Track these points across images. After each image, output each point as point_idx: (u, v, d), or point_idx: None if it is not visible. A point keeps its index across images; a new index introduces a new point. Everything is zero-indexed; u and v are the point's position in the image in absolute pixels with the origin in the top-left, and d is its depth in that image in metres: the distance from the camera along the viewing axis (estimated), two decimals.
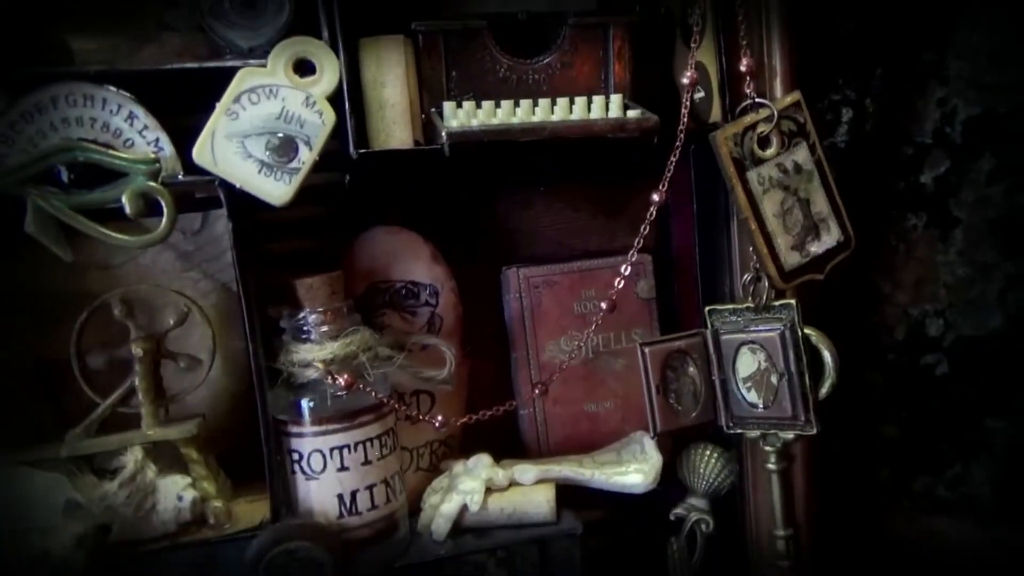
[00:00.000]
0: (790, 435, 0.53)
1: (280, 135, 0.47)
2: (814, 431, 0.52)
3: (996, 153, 0.83)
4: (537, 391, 0.58)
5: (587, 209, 0.66)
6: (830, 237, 0.54)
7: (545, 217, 0.66)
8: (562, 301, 0.63)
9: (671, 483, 0.63)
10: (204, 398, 0.56)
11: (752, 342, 0.53)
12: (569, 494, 0.59)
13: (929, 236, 0.85)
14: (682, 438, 0.64)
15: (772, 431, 0.54)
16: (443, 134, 0.48)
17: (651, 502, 0.62)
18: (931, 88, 0.82)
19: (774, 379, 0.52)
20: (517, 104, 0.52)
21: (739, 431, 0.56)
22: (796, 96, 0.53)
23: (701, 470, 0.62)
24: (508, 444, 0.63)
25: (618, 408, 0.65)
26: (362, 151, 0.48)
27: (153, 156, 0.45)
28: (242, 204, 0.49)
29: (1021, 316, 0.87)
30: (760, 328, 0.53)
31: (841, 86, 0.81)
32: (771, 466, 0.55)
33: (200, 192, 0.54)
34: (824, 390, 0.52)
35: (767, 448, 0.55)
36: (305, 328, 0.51)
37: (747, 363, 0.53)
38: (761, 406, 0.53)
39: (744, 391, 0.54)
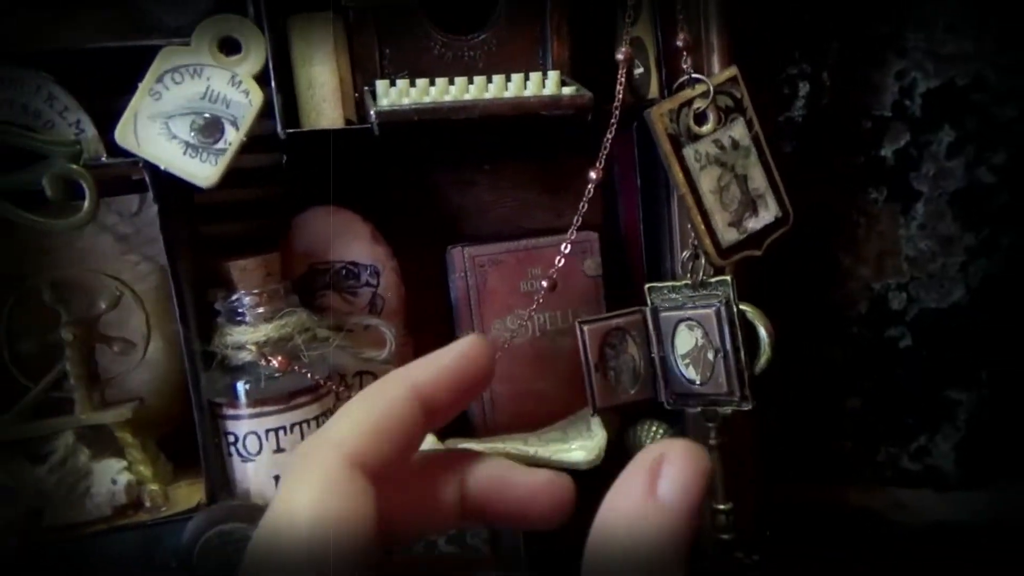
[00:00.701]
0: (728, 410, 0.53)
1: (206, 115, 0.46)
2: (749, 406, 0.52)
3: (955, 125, 0.83)
4: None
5: (533, 187, 0.66)
6: (768, 213, 0.54)
7: (491, 195, 0.65)
8: (508, 279, 0.63)
9: (620, 459, 0.63)
10: (146, 381, 0.56)
11: (689, 319, 0.53)
12: None
13: (890, 210, 0.85)
14: (631, 415, 0.65)
15: (711, 407, 0.54)
16: (372, 113, 0.48)
17: (600, 477, 0.63)
18: (889, 61, 0.81)
19: (711, 355, 0.52)
20: (452, 82, 0.51)
21: (679, 407, 0.56)
22: (733, 71, 0.53)
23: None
24: (456, 423, 0.63)
25: (566, 386, 0.65)
26: (290, 131, 0.48)
27: (73, 138, 0.44)
28: (172, 186, 0.48)
29: (983, 289, 0.87)
30: (698, 305, 0.53)
31: (797, 60, 0.80)
32: (712, 441, 0.55)
33: (135, 174, 0.53)
34: (760, 365, 0.52)
35: (708, 423, 0.55)
36: (239, 310, 0.51)
37: (685, 340, 0.53)
38: (699, 382, 0.53)
39: (683, 368, 0.54)
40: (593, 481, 0.62)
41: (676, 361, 0.54)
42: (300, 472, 0.25)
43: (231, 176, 0.51)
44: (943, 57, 0.81)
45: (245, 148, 0.50)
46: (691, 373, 0.54)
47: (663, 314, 0.54)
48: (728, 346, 0.51)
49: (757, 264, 0.56)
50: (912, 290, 0.88)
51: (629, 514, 0.24)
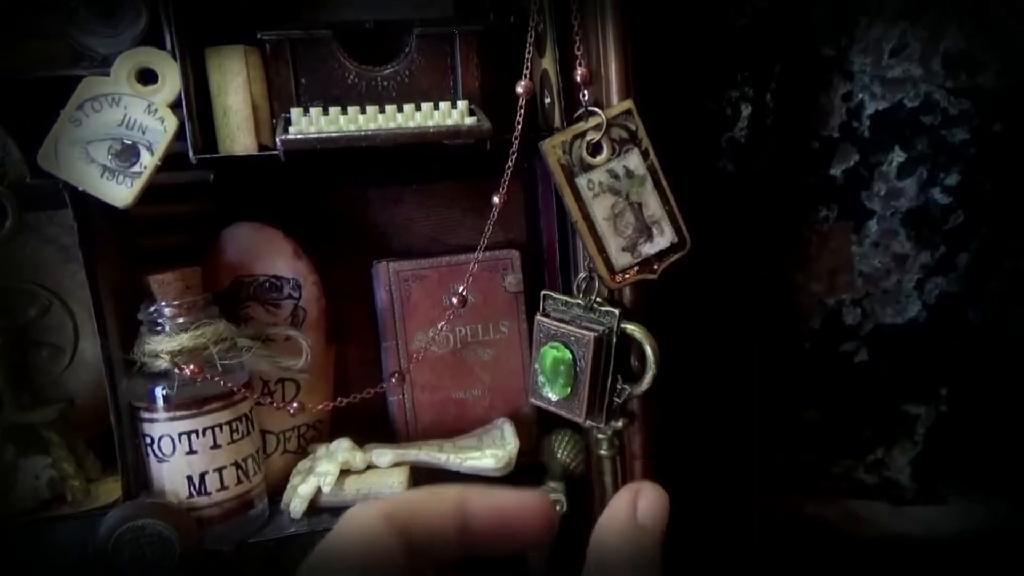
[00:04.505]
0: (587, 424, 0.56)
1: (124, 141, 0.50)
2: (608, 429, 0.57)
3: (906, 146, 0.85)
4: (394, 379, 0.62)
5: (459, 206, 0.69)
6: (663, 238, 0.57)
7: (418, 212, 0.69)
8: (431, 294, 0.66)
9: (535, 467, 0.67)
10: (82, 384, 0.60)
11: (564, 338, 0.56)
12: (440, 480, 0.63)
13: (842, 228, 0.88)
14: (546, 425, 0.68)
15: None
16: (278, 141, 0.51)
17: (516, 484, 0.66)
18: (835, 83, 0.84)
19: (578, 375, 0.55)
20: (364, 110, 0.55)
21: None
22: (627, 104, 0.55)
23: (558, 454, 0.65)
24: (378, 430, 0.67)
25: (485, 395, 0.68)
26: (201, 156, 0.51)
27: None
28: (99, 202, 0.52)
29: (939, 305, 0.89)
30: (582, 326, 0.55)
31: (739, 82, 0.82)
32: (603, 452, 0.58)
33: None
34: (646, 382, 0.55)
35: (599, 436, 0.58)
36: (159, 321, 0.54)
37: (553, 355, 0.56)
38: (554, 399, 0.56)
39: (540, 381, 0.57)
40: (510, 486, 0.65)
41: (537, 374, 0.57)
42: (344, 520, 0.30)
43: (163, 192, 0.55)
44: (890, 80, 0.83)
45: (176, 166, 0.53)
46: (546, 390, 0.57)
47: (545, 324, 0.57)
48: (600, 372, 0.54)
49: (654, 287, 0.58)
50: (867, 305, 0.90)
51: (619, 531, 0.32)
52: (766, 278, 0.88)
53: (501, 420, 0.66)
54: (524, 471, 0.64)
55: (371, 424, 0.66)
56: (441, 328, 0.60)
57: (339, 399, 0.60)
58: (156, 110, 0.50)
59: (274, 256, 0.61)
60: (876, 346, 0.90)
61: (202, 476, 0.55)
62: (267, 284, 0.61)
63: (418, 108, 0.56)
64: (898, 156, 0.85)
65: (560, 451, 0.65)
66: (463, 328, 0.67)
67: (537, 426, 0.68)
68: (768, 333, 0.89)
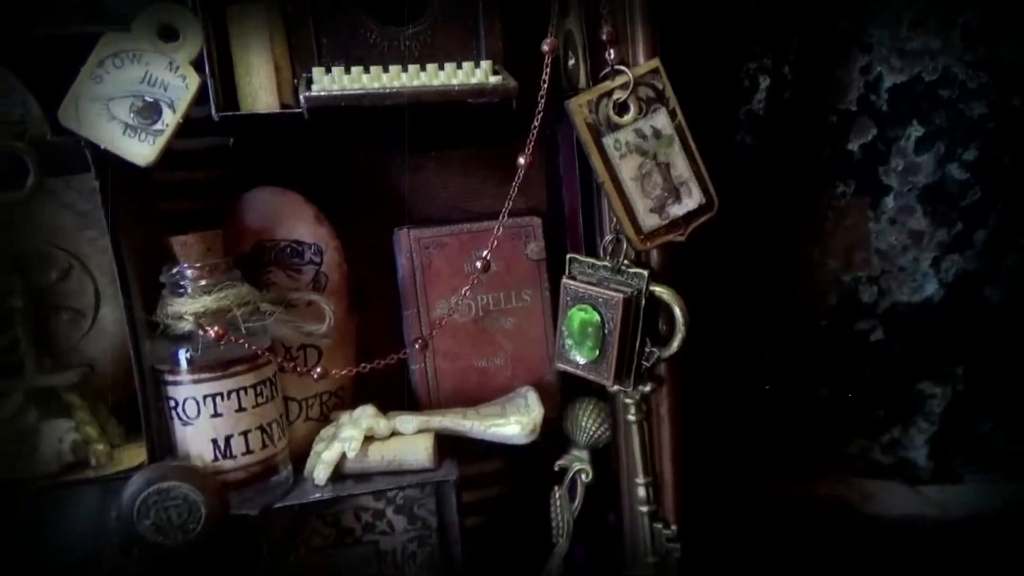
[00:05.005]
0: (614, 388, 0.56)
1: (144, 98, 0.49)
2: (636, 394, 0.56)
3: (924, 120, 0.84)
4: (417, 345, 0.61)
5: (479, 174, 0.69)
6: (691, 200, 0.56)
7: (438, 180, 0.68)
8: (452, 261, 0.66)
9: (557, 437, 0.66)
10: (102, 350, 0.59)
11: (593, 300, 0.55)
12: (464, 448, 0.62)
13: (859, 204, 0.87)
14: (569, 394, 0.68)
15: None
16: (302, 98, 0.50)
17: (539, 454, 0.66)
18: (853, 56, 0.83)
19: (606, 337, 0.54)
20: (386, 69, 0.54)
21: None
22: (655, 63, 0.55)
23: (582, 423, 0.65)
24: (401, 399, 0.66)
25: (507, 364, 0.68)
26: (223, 114, 0.51)
27: (17, 117, 0.48)
28: (122, 165, 0.51)
29: (955, 283, 0.88)
30: (610, 288, 0.55)
31: (757, 54, 0.82)
32: (631, 417, 0.58)
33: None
34: (675, 345, 0.55)
35: (627, 400, 0.58)
36: (181, 283, 0.54)
37: (581, 317, 0.55)
38: (587, 361, 0.56)
39: (567, 344, 0.56)
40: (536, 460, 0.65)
41: (563, 337, 0.56)
42: None
43: (183, 157, 0.54)
44: (909, 53, 0.82)
45: (195, 131, 0.53)
46: (574, 353, 0.56)
47: (572, 287, 0.56)
48: (628, 334, 0.54)
49: (683, 249, 0.58)
50: (883, 283, 0.89)
51: None
52: (782, 253, 0.87)
53: (524, 388, 0.65)
54: (548, 439, 0.64)
55: (393, 393, 0.65)
56: (465, 293, 0.59)
57: (363, 365, 0.59)
58: (178, 67, 0.49)
59: (295, 221, 0.60)
60: (892, 325, 0.89)
61: (227, 439, 0.54)
62: (288, 249, 0.60)
63: (441, 68, 0.55)
64: (916, 130, 0.84)
65: (585, 419, 0.64)
66: (485, 296, 0.66)
67: (560, 395, 0.68)
68: (783, 310, 0.88)
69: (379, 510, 0.69)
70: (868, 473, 0.96)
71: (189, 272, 0.54)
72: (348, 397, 0.65)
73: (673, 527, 0.60)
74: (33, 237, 0.57)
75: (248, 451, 0.55)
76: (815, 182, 0.86)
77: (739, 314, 0.85)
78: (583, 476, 0.64)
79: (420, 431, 0.61)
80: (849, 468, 0.95)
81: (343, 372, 0.59)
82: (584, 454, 0.65)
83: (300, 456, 0.61)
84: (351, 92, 0.51)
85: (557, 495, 0.65)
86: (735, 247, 0.85)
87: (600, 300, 0.55)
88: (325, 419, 0.64)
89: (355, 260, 0.64)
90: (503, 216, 0.57)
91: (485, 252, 0.58)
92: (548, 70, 0.54)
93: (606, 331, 0.55)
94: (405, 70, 0.54)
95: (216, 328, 0.52)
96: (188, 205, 0.61)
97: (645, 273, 0.55)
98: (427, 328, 0.65)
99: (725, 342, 0.85)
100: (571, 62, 0.59)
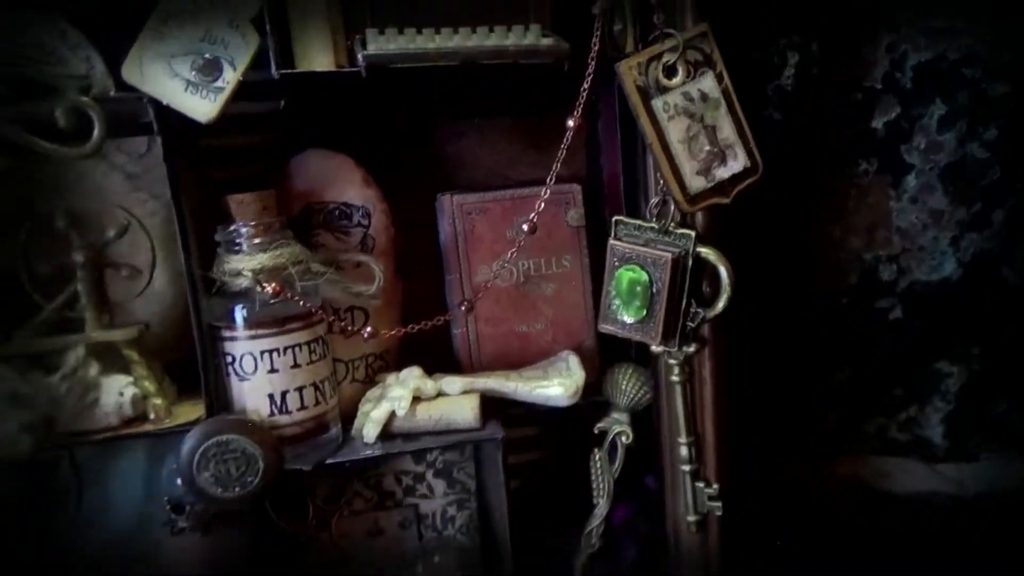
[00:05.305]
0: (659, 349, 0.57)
1: (206, 55, 0.50)
2: (680, 354, 0.57)
3: (947, 99, 0.85)
4: (464, 307, 0.62)
5: (520, 141, 0.69)
6: (736, 163, 0.57)
7: (481, 147, 0.69)
8: (494, 227, 0.67)
9: (596, 401, 0.67)
10: (152, 312, 0.60)
11: (640, 259, 0.56)
12: (503, 414, 0.63)
13: (881, 182, 0.87)
14: (608, 359, 0.69)
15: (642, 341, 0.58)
16: (360, 57, 0.51)
17: (578, 418, 0.67)
18: (880, 33, 0.83)
19: (654, 296, 0.55)
20: (438, 31, 0.55)
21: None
22: (703, 27, 0.55)
23: (622, 386, 0.66)
24: (442, 363, 0.67)
25: (548, 329, 0.68)
26: (284, 71, 0.51)
27: (84, 72, 0.48)
28: (178, 127, 0.52)
29: (973, 262, 0.89)
30: (657, 248, 0.56)
31: (787, 29, 0.82)
32: (674, 378, 0.59)
33: (141, 111, 0.57)
34: (721, 305, 0.55)
35: (671, 361, 0.59)
36: (237, 240, 0.55)
37: (629, 276, 0.56)
38: (634, 320, 0.56)
39: (614, 305, 0.57)
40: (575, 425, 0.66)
41: (610, 297, 0.57)
42: None
43: (233, 121, 0.55)
44: (935, 31, 0.83)
45: (244, 95, 0.53)
46: (621, 313, 0.57)
47: (619, 248, 0.57)
48: (675, 294, 0.55)
49: (727, 212, 0.59)
50: (903, 262, 0.90)
51: None
52: (804, 231, 0.87)
53: (565, 352, 0.66)
54: (589, 403, 0.65)
55: (435, 357, 0.66)
56: (511, 256, 0.60)
57: (410, 325, 0.60)
58: (238, 25, 0.50)
59: (344, 183, 0.61)
60: (911, 303, 0.90)
61: (283, 395, 0.55)
62: (337, 211, 0.61)
63: (491, 30, 0.56)
64: (939, 109, 0.85)
65: (625, 382, 0.65)
66: (526, 262, 0.67)
67: (599, 359, 0.69)
68: (804, 287, 0.89)
69: (419, 473, 0.70)
70: (885, 451, 0.97)
71: (244, 230, 0.54)
72: (393, 360, 0.66)
73: (715, 486, 0.61)
74: (89, 194, 0.58)
75: (303, 407, 0.56)
76: (839, 160, 0.86)
77: (763, 289, 0.86)
78: (623, 438, 0.65)
79: (465, 392, 0.62)
80: (867, 446, 0.96)
81: (391, 332, 0.60)
82: (624, 417, 0.66)
83: (346, 417, 0.62)
84: (409, 51, 0.52)
85: (597, 457, 0.66)
86: (762, 221, 0.86)
87: (648, 260, 0.56)
88: (370, 381, 0.65)
89: (397, 226, 0.65)
90: (551, 179, 0.58)
91: (532, 215, 0.59)
92: (598, 31, 0.55)
93: (654, 290, 0.55)
94: (456, 32, 0.55)
95: (274, 284, 0.53)
96: (236, 169, 0.62)
97: (692, 234, 0.55)
98: (469, 293, 0.66)
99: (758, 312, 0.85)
100: (617, 27, 0.60)
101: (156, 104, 0.50)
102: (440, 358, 0.67)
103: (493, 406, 0.63)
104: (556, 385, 0.62)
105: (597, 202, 0.70)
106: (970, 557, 0.80)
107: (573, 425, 0.68)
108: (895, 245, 0.89)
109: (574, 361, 0.65)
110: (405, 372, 0.62)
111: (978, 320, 0.91)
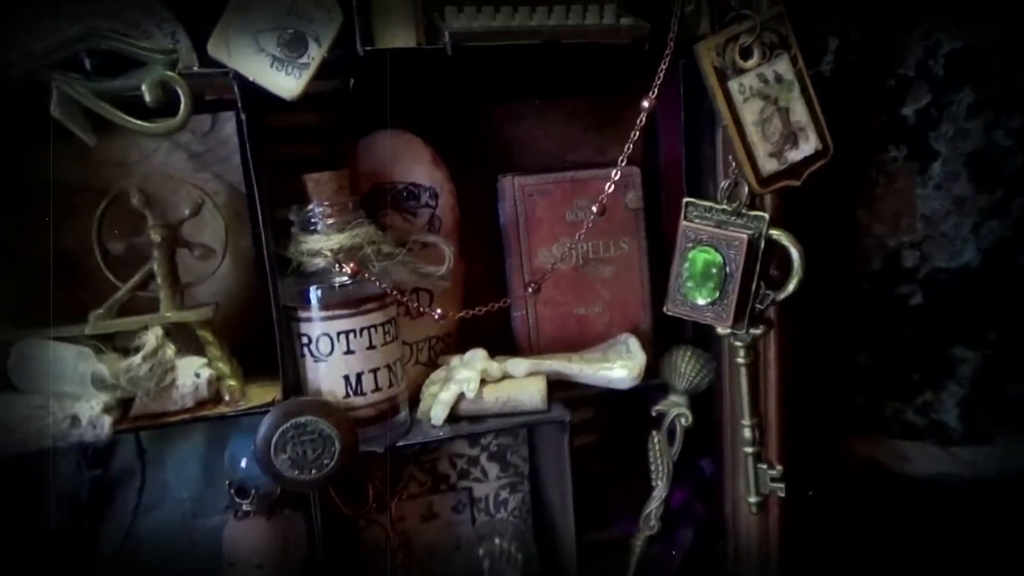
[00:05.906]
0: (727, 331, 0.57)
1: (291, 31, 0.49)
2: (747, 337, 0.57)
3: (976, 87, 0.85)
4: (529, 289, 0.62)
5: (580, 123, 0.69)
6: (808, 145, 0.58)
7: (540, 129, 0.69)
8: (555, 209, 0.66)
9: (651, 384, 0.67)
10: (217, 293, 0.60)
11: (713, 240, 0.56)
12: (561, 396, 0.63)
13: (908, 168, 0.88)
14: (663, 342, 0.69)
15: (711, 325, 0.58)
16: (446, 34, 0.51)
17: (635, 401, 0.67)
18: (917, 21, 0.84)
19: (727, 277, 0.55)
20: (516, 10, 0.54)
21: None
22: (779, 9, 0.56)
23: (681, 369, 0.66)
24: (501, 345, 0.67)
25: (606, 312, 0.68)
26: (369, 48, 0.51)
27: (171, 46, 0.47)
28: (253, 102, 0.51)
29: (993, 250, 0.90)
30: (730, 230, 0.56)
31: (828, 15, 0.82)
32: (740, 360, 0.59)
33: (210, 94, 0.56)
34: (792, 286, 0.56)
35: (737, 343, 0.59)
36: (313, 220, 0.54)
37: (704, 258, 0.56)
38: (706, 302, 0.57)
39: (685, 287, 0.57)
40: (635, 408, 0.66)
41: (682, 279, 0.57)
42: None
43: (302, 100, 0.54)
44: (968, 20, 0.83)
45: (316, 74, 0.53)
46: (693, 295, 0.57)
47: (692, 229, 0.57)
48: (748, 276, 0.55)
49: (797, 195, 0.59)
50: (925, 248, 0.90)
51: None
52: (837, 218, 0.88)
53: (624, 335, 0.66)
54: (644, 386, 0.65)
55: (495, 339, 0.66)
56: (579, 237, 0.60)
57: (476, 307, 0.60)
58: (324, 0, 0.49)
59: (413, 163, 0.60)
60: (931, 289, 0.91)
61: (359, 376, 0.55)
62: (405, 192, 0.60)
63: (568, 10, 0.55)
64: (968, 96, 0.86)
65: (684, 365, 0.65)
66: (585, 244, 0.67)
67: (655, 343, 0.69)
68: (829, 273, 0.89)
69: (473, 457, 0.70)
70: (902, 434, 0.99)
71: (319, 210, 0.54)
72: (454, 343, 0.66)
73: (778, 467, 0.61)
74: (153, 175, 0.57)
75: (377, 388, 0.56)
76: (870, 146, 0.87)
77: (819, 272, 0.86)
78: (682, 420, 0.66)
79: (531, 374, 0.62)
80: (885, 429, 0.97)
81: (460, 314, 0.59)
82: (683, 399, 0.66)
83: (410, 400, 0.62)
84: (493, 28, 0.52)
85: (656, 440, 0.66)
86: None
87: (723, 241, 0.56)
88: (432, 364, 0.64)
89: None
90: (622, 159, 0.58)
91: (602, 196, 0.59)
92: (677, 13, 0.55)
93: (728, 271, 0.56)
94: (534, 11, 0.54)
95: (351, 264, 0.53)
96: (303, 149, 0.61)
97: (766, 216, 0.56)
98: (529, 275, 0.66)
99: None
100: (688, 8, 0.59)
101: (241, 80, 0.49)
102: (500, 340, 0.67)
103: (558, 384, 0.63)
104: (619, 367, 0.63)
105: (653, 185, 0.70)
106: (981, 538, 0.81)
107: (629, 408, 0.68)
108: (919, 232, 0.90)
109: (634, 344, 0.65)
110: (470, 354, 0.62)
111: (994, 307, 0.93)
